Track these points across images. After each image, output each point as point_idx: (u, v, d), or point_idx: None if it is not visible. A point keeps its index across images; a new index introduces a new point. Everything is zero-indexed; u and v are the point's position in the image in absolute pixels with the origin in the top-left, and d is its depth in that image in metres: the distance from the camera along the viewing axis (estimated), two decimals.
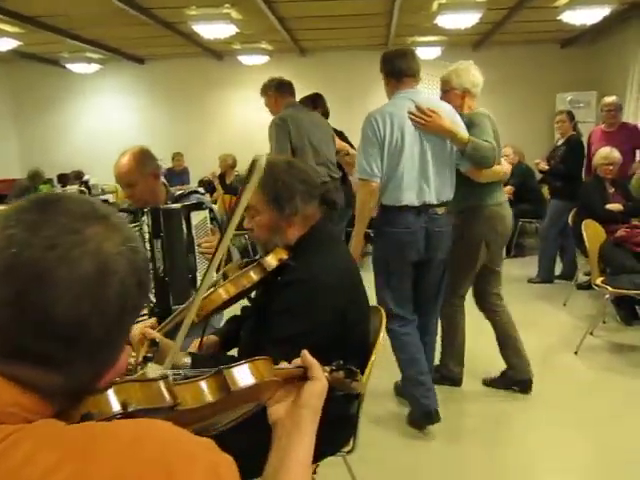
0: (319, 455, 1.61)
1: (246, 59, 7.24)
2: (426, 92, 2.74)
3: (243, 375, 0.85)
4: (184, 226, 2.25)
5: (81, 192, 7.44)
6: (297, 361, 1.00)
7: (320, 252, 1.60)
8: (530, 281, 5.31)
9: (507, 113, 7.92)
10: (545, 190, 6.09)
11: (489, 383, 3.12)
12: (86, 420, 0.64)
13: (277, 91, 3.85)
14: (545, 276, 5.29)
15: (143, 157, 2.41)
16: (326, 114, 4.31)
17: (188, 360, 1.41)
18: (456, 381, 3.12)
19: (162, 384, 0.75)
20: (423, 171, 2.52)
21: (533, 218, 6.34)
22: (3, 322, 0.59)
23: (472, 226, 2.84)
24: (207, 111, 8.43)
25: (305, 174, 1.66)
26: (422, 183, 2.51)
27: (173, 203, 2.42)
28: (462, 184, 2.75)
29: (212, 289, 1.49)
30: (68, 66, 7.57)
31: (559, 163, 5.10)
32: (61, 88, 8.64)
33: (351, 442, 1.68)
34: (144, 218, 2.41)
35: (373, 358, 1.60)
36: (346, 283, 1.57)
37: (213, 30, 5.56)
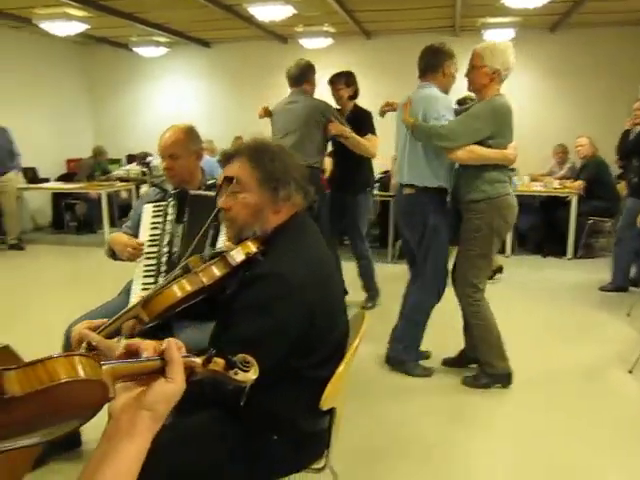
0: (285, 471, 1.48)
1: (308, 42, 7.09)
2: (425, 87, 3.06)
3: (29, 378, 0.65)
4: (210, 217, 2.16)
5: (143, 173, 7.63)
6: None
7: (292, 243, 1.44)
8: (602, 289, 4.79)
9: (585, 101, 7.34)
10: (622, 186, 5.58)
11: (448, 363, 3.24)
12: None
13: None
14: (620, 282, 4.77)
15: (191, 133, 2.42)
16: (356, 94, 4.24)
17: None
18: (505, 378, 2.95)
19: None
20: (401, 156, 3.12)
21: (605, 216, 5.83)
22: None
23: (487, 217, 2.83)
24: (269, 95, 8.31)
25: (296, 162, 1.51)
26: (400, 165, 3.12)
27: (204, 191, 2.36)
28: (474, 175, 2.84)
29: (165, 285, 1.35)
30: (136, 50, 7.74)
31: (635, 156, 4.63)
32: (131, 71, 8.86)
33: (323, 459, 1.53)
34: (171, 199, 2.36)
35: (341, 368, 1.42)
36: (317, 278, 1.40)
37: (269, 12, 5.45)
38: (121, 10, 6.24)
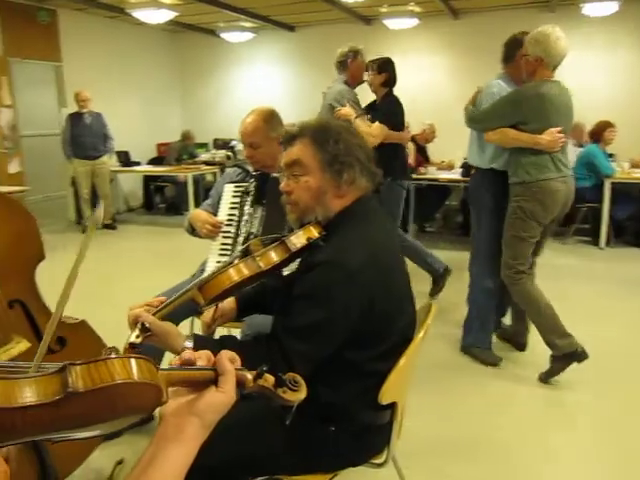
0: (343, 464, 1.43)
1: (393, 23, 6.91)
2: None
3: (91, 375, 0.68)
4: None
5: (227, 157, 7.80)
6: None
7: (355, 229, 1.37)
8: None
9: None
10: None
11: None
12: None
13: None
14: None
15: (272, 119, 2.38)
16: (388, 81, 4.11)
17: (189, 344, 1.26)
18: (574, 355, 2.81)
19: None
20: (469, 139, 3.27)
21: None
22: None
23: (522, 201, 2.89)
24: None
25: (363, 142, 1.44)
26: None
27: None
28: (514, 159, 2.94)
29: (222, 269, 1.33)
30: (223, 35, 7.88)
31: None
32: (218, 57, 9.06)
33: (384, 454, 1.47)
34: (252, 180, 2.38)
35: (402, 362, 1.35)
36: (379, 266, 1.33)
37: None
38: None
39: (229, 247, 2.42)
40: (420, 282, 4.56)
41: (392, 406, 1.40)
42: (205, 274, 2.35)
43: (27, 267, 1.92)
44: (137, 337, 1.21)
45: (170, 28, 8.37)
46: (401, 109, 4.19)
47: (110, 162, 7.37)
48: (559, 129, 2.81)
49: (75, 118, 6.92)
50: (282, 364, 1.25)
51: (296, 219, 1.45)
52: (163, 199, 8.62)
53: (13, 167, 6.57)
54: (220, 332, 2.37)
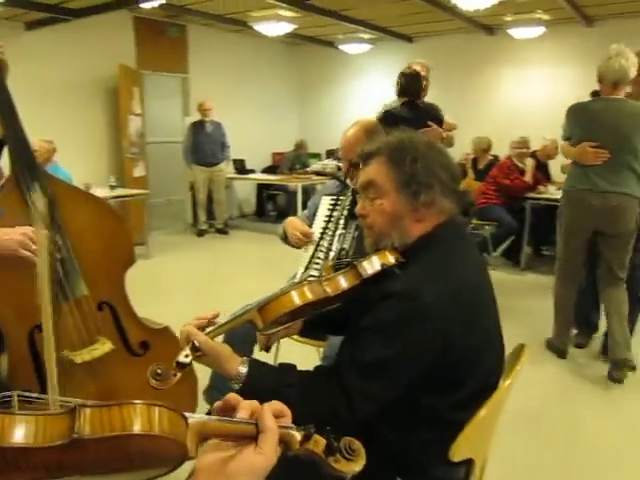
0: None
1: (518, 32, 6.53)
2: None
3: (107, 423, 0.60)
4: None
5: (338, 168, 7.80)
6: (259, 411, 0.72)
7: (435, 258, 1.23)
8: None
9: None
10: None
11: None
12: None
13: None
14: None
15: (374, 131, 2.29)
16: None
17: (243, 370, 1.17)
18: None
19: None
20: None
21: None
22: None
23: (560, 208, 3.21)
24: (470, 91, 7.95)
25: (448, 160, 1.29)
26: None
27: None
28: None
29: (285, 290, 1.23)
30: (341, 47, 7.92)
31: None
32: (335, 68, 9.11)
33: None
34: (349, 194, 2.32)
35: (482, 413, 1.17)
36: (459, 302, 1.17)
37: (473, 0, 5.11)
38: (327, 8, 6.40)
39: (320, 261, 2.37)
40: (512, 322, 4.22)
41: (468, 463, 1.23)
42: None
43: (117, 272, 1.96)
44: (186, 356, 1.13)
45: (289, 40, 8.56)
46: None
47: (226, 169, 7.66)
48: (593, 144, 2.91)
49: (197, 126, 7.27)
50: (342, 402, 1.14)
51: (371, 244, 1.33)
52: (275, 207, 8.81)
53: (138, 171, 7.00)
54: (301, 350, 2.33)
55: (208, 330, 1.18)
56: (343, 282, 1.23)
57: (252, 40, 8.20)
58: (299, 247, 2.39)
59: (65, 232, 1.77)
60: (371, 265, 1.24)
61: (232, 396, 0.76)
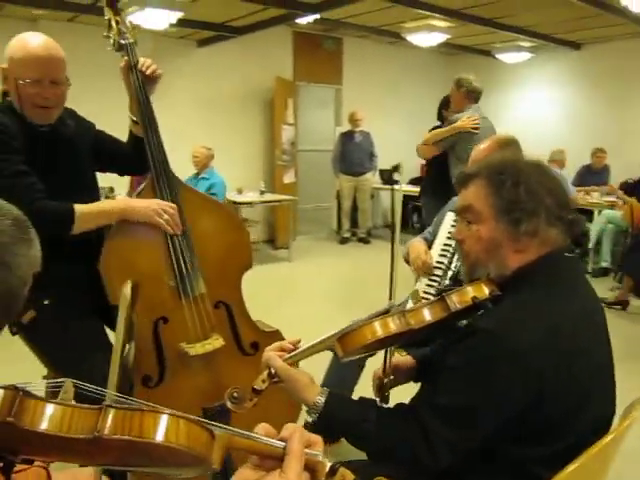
0: None
1: None
2: None
3: (125, 427, 0.64)
4: None
5: None
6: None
7: (534, 294, 1.11)
8: None
9: None
10: None
11: None
12: None
13: None
14: None
15: (512, 147, 2.25)
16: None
17: (321, 400, 1.14)
18: None
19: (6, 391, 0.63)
20: None
21: None
22: None
23: None
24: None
25: (556, 184, 1.18)
26: None
27: None
28: None
29: (368, 320, 1.18)
30: (498, 56, 7.61)
31: None
32: (491, 78, 8.75)
33: None
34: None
35: (570, 468, 1.01)
36: (556, 347, 1.05)
37: None
38: (483, 17, 6.20)
39: (438, 279, 2.32)
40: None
41: None
42: (408, 304, 2.27)
43: (235, 274, 2.08)
44: (263, 382, 1.14)
45: (443, 50, 8.42)
46: None
47: (372, 179, 7.73)
48: None
49: (347, 136, 7.44)
50: (424, 448, 1.08)
51: (466, 273, 1.26)
52: (419, 219, 8.70)
53: (288, 178, 7.34)
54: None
55: (287, 356, 1.17)
56: (428, 315, 1.16)
57: (406, 51, 8.20)
58: (417, 274, 2.38)
59: (190, 234, 1.91)
60: (461, 297, 1.16)
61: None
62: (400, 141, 8.65)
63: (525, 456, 1.08)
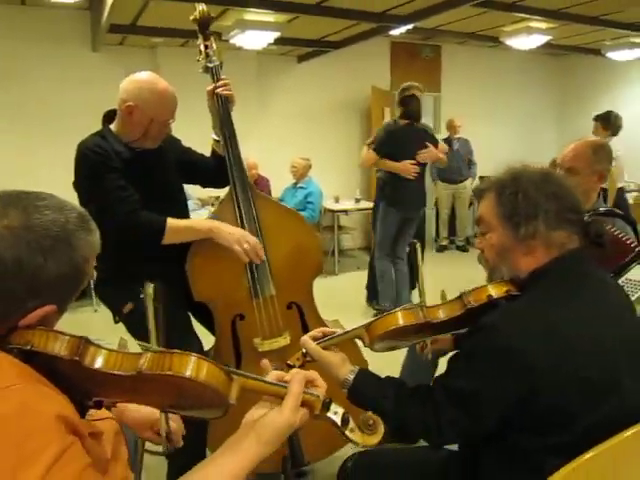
0: None
1: None
2: None
3: (160, 364, 0.86)
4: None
5: None
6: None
7: (541, 295, 1.21)
8: None
9: None
10: None
11: None
12: (29, 347, 0.86)
13: None
14: None
15: (602, 151, 2.28)
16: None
17: (351, 377, 1.30)
18: None
19: (73, 338, 0.87)
20: None
21: None
22: None
23: None
24: None
25: (561, 190, 1.26)
26: None
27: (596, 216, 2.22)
28: None
29: (395, 310, 1.34)
30: (609, 55, 7.22)
31: None
32: (600, 78, 8.32)
33: None
34: None
35: (587, 456, 1.06)
36: (555, 351, 1.12)
37: None
38: (586, 15, 5.94)
39: None
40: None
41: None
42: None
43: (306, 277, 2.26)
44: (297, 360, 1.34)
45: (546, 51, 8.12)
46: (393, 139, 4.33)
47: (471, 187, 7.62)
48: None
49: (445, 143, 7.40)
50: (433, 424, 1.21)
51: (487, 278, 1.38)
52: None
53: None
54: None
55: (320, 341, 1.36)
56: (445, 310, 1.32)
57: (506, 54, 8.02)
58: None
59: (263, 241, 2.11)
60: (477, 296, 1.30)
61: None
62: (502, 147, 8.46)
63: (535, 445, 1.15)
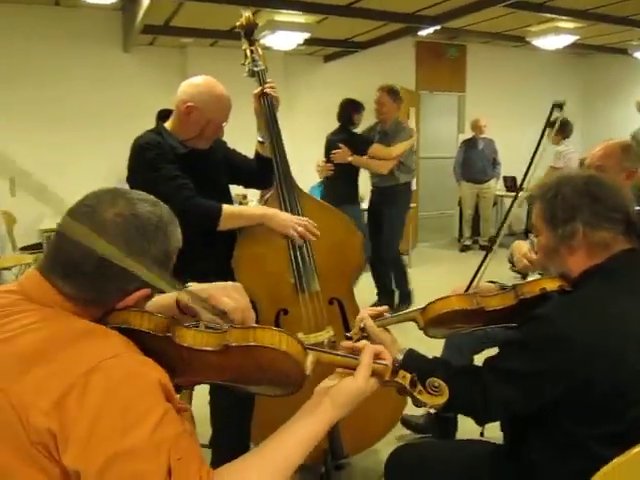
0: None
1: None
2: None
3: (245, 337, 0.96)
4: None
5: None
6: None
7: (591, 290, 1.27)
8: None
9: None
10: None
11: None
12: (125, 326, 0.97)
13: None
14: None
15: (629, 150, 2.41)
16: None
17: (400, 356, 1.39)
18: None
19: (164, 318, 0.98)
20: None
21: None
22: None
23: None
24: None
25: (602, 191, 1.32)
26: None
27: None
28: None
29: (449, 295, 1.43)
30: (635, 54, 7.19)
31: None
32: (626, 78, 8.27)
33: None
34: None
35: (621, 459, 1.11)
36: (608, 341, 1.18)
37: None
38: (614, 15, 5.92)
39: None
40: None
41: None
42: None
43: (347, 274, 2.32)
44: (354, 334, 1.45)
45: (573, 51, 8.09)
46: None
47: (495, 187, 7.63)
48: None
49: (469, 143, 7.43)
50: (480, 401, 1.28)
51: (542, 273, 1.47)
52: None
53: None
54: None
55: (377, 321, 1.47)
56: (499, 299, 1.39)
57: (532, 54, 8.01)
58: (525, 274, 2.44)
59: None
60: (530, 288, 1.36)
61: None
62: (527, 147, 8.42)
63: (583, 432, 1.21)
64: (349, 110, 4.79)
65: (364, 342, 1.06)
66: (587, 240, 1.29)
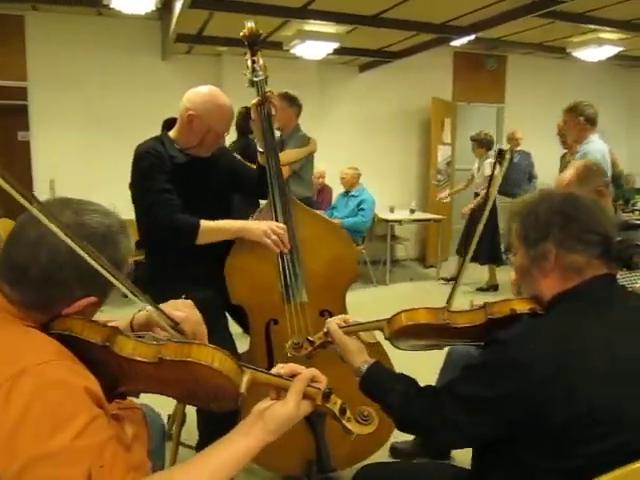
0: None
1: None
2: None
3: (180, 352, 0.96)
4: None
5: None
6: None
7: (557, 318, 1.20)
8: None
9: None
10: None
11: None
12: (67, 333, 0.99)
13: None
14: None
15: (586, 174, 2.40)
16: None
17: (364, 368, 1.36)
18: None
19: (106, 327, 1.00)
20: None
21: None
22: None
23: None
24: None
25: (578, 211, 1.24)
26: None
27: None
28: None
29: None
30: None
31: None
32: None
33: None
34: None
35: None
36: (563, 373, 1.10)
37: None
38: None
39: None
40: None
41: None
42: None
43: (340, 286, 2.30)
44: (318, 338, 1.46)
45: (618, 62, 7.81)
46: None
47: None
48: None
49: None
50: (437, 423, 1.24)
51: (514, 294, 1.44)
52: None
53: (443, 196, 7.39)
54: None
55: (344, 325, 1.45)
56: (468, 317, 1.32)
57: (574, 65, 7.77)
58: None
59: (298, 249, 2.18)
60: (500, 308, 1.31)
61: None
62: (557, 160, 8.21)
63: (535, 463, 1.14)
64: (243, 119, 4.48)
65: (301, 367, 1.04)
66: (559, 262, 1.22)
